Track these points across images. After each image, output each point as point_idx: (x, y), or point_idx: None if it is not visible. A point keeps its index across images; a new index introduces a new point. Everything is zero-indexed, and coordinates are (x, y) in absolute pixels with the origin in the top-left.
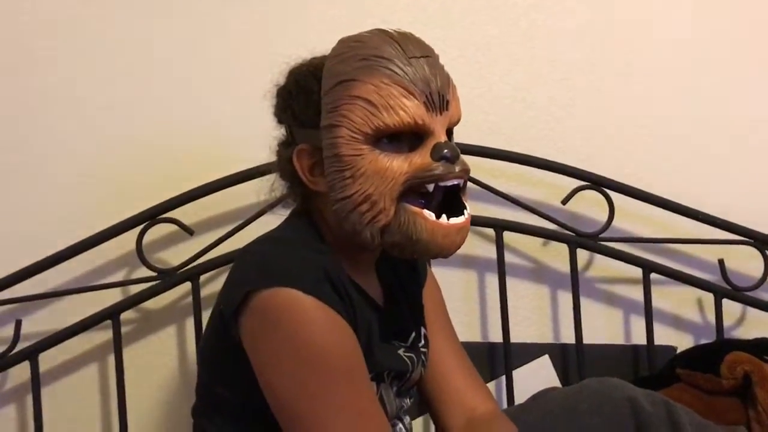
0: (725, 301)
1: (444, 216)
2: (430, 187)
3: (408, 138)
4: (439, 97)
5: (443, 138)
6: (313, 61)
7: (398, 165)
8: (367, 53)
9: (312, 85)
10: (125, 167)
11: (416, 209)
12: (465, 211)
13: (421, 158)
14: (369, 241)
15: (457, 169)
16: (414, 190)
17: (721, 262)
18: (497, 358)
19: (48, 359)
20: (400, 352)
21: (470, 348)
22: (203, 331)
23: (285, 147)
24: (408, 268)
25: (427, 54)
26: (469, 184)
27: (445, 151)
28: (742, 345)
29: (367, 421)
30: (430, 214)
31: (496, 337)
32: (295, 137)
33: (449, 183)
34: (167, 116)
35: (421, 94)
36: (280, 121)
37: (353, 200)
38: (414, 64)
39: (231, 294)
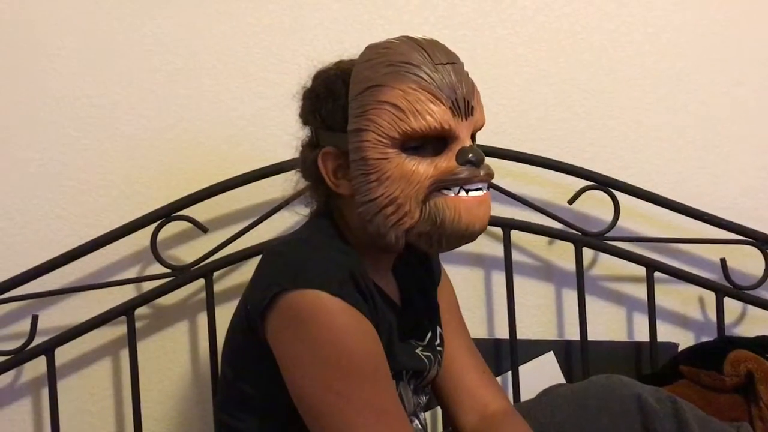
0: (726, 300)
1: (463, 191)
2: (455, 190)
3: (433, 143)
4: (465, 102)
5: (468, 142)
6: (341, 65)
7: (424, 169)
8: (395, 59)
9: (340, 90)
10: (140, 166)
11: (436, 194)
12: (484, 187)
13: (446, 162)
14: (393, 244)
15: (482, 173)
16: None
17: (723, 261)
18: (503, 354)
19: (63, 354)
20: (418, 351)
21: (477, 344)
22: (228, 329)
23: (310, 149)
24: (423, 269)
25: (453, 61)
26: None
27: (471, 155)
28: (744, 343)
29: (390, 419)
30: (448, 191)
31: (502, 333)
32: (320, 140)
33: (474, 186)
34: (181, 115)
35: (447, 99)
36: (305, 123)
37: (378, 203)
38: (441, 71)
39: (258, 294)
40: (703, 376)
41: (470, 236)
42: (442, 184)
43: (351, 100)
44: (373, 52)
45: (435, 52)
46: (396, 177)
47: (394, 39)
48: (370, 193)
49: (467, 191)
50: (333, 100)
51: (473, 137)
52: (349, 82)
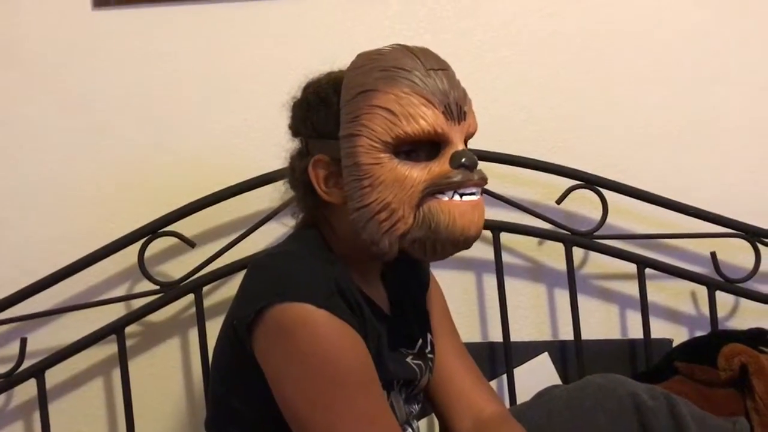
0: (718, 293)
1: (457, 195)
2: (449, 194)
3: (426, 148)
4: (457, 107)
5: (461, 147)
6: (331, 75)
7: (417, 174)
8: (387, 65)
9: (331, 97)
10: (125, 182)
11: (430, 199)
12: (477, 191)
13: (440, 166)
14: (387, 250)
15: (476, 177)
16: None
17: (713, 255)
18: (497, 357)
19: (54, 375)
20: (408, 359)
21: (470, 348)
22: (215, 344)
23: (300, 159)
24: (411, 276)
25: (445, 68)
26: None
27: (464, 159)
28: (737, 336)
29: (382, 430)
30: (442, 196)
31: (495, 336)
32: (311, 149)
33: (468, 190)
34: (165, 129)
35: (440, 104)
36: (296, 134)
37: (371, 209)
38: (433, 76)
39: (244, 308)
40: (698, 371)
41: (465, 242)
42: (435, 188)
43: (343, 106)
44: (365, 58)
45: (427, 59)
46: (389, 182)
47: (386, 47)
48: (363, 199)
49: (461, 195)
50: (325, 107)
51: (466, 144)
52: (341, 89)
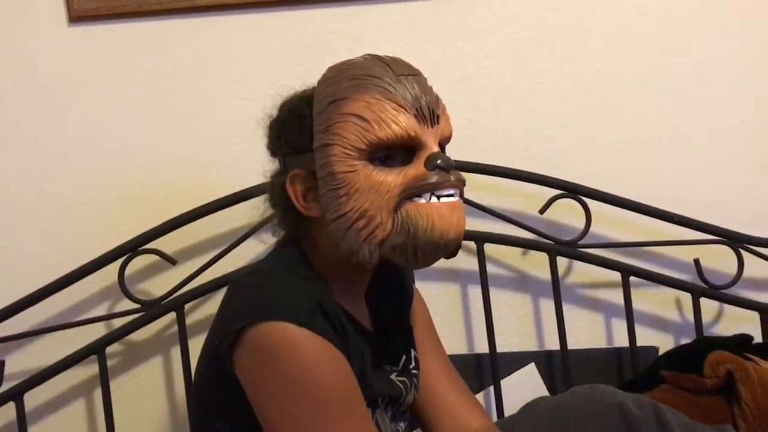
0: (703, 300)
1: (434, 197)
2: (427, 197)
3: (401, 153)
4: (429, 110)
5: (436, 149)
6: (306, 91)
7: (393, 178)
8: (357, 73)
9: (304, 111)
10: (104, 200)
11: (407, 202)
12: (455, 193)
13: (415, 170)
14: (367, 259)
15: (452, 178)
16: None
17: (696, 261)
18: (484, 369)
19: (33, 398)
20: (393, 376)
21: (456, 360)
22: (196, 365)
23: (278, 177)
24: (395, 290)
25: (416, 73)
26: None
27: (439, 161)
28: (722, 343)
29: None
30: (419, 199)
31: (481, 348)
32: (288, 166)
33: (445, 192)
34: (144, 146)
35: (411, 107)
36: (273, 154)
37: (349, 218)
38: (403, 81)
39: (224, 329)
40: (684, 379)
41: (445, 245)
42: (412, 191)
43: (315, 118)
44: (335, 70)
45: (397, 65)
46: (365, 189)
47: (357, 57)
48: (340, 209)
49: (438, 197)
50: (298, 122)
51: (443, 149)
52: (312, 102)
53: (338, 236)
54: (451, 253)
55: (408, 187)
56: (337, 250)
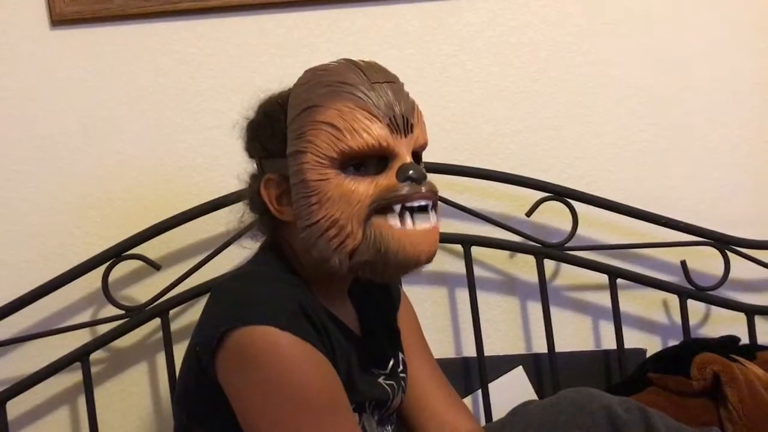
0: (690, 302)
1: (410, 221)
2: (397, 207)
3: (374, 162)
4: (403, 120)
5: (408, 159)
6: (282, 93)
7: (364, 188)
8: (331, 80)
9: (278, 115)
10: (87, 205)
11: (380, 221)
12: (432, 215)
13: (386, 180)
14: (337, 268)
15: (423, 189)
16: (381, 212)
17: (683, 263)
18: (472, 373)
19: (16, 407)
20: (381, 380)
21: (444, 364)
22: (179, 372)
23: (254, 179)
24: (382, 294)
25: (391, 80)
26: None
27: (411, 172)
28: (709, 344)
29: None
30: (395, 222)
31: (469, 351)
32: (263, 168)
33: (416, 203)
34: (127, 150)
35: (384, 116)
36: (250, 155)
37: (320, 226)
38: (377, 89)
39: (206, 334)
40: (671, 381)
41: (415, 266)
42: (383, 202)
43: (289, 124)
44: (311, 74)
45: (372, 72)
46: (336, 198)
47: (332, 62)
48: (312, 217)
49: (413, 220)
50: (272, 125)
51: (419, 157)
52: (287, 106)
53: (310, 243)
54: None
55: (379, 198)
56: (310, 255)
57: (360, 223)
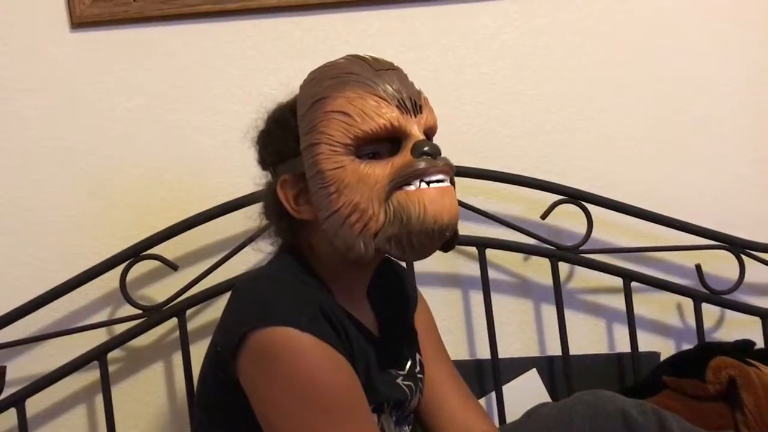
0: (704, 305)
1: (424, 183)
2: (417, 183)
3: (387, 146)
4: (411, 101)
5: (421, 137)
6: (288, 100)
7: (380, 170)
8: (336, 72)
9: (288, 117)
10: (106, 206)
11: (398, 193)
12: (445, 178)
13: (402, 159)
14: (363, 252)
15: (440, 163)
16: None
17: (698, 267)
18: (486, 375)
19: (35, 404)
20: (399, 380)
21: (458, 366)
22: (199, 372)
23: (270, 187)
24: (399, 295)
25: (396, 68)
26: None
27: (426, 147)
28: (724, 348)
29: None
30: (409, 186)
31: (483, 353)
32: (278, 173)
33: (434, 177)
34: (145, 152)
35: (393, 98)
36: (264, 166)
37: (341, 213)
38: (383, 75)
39: (227, 335)
40: (686, 385)
41: (440, 231)
42: (401, 179)
43: (300, 120)
44: (316, 71)
45: (376, 62)
46: (354, 183)
47: (336, 59)
48: (332, 206)
49: (428, 183)
50: (283, 128)
51: (430, 140)
52: (296, 108)
53: (332, 233)
54: (447, 245)
55: (397, 176)
56: (333, 248)
57: (381, 203)
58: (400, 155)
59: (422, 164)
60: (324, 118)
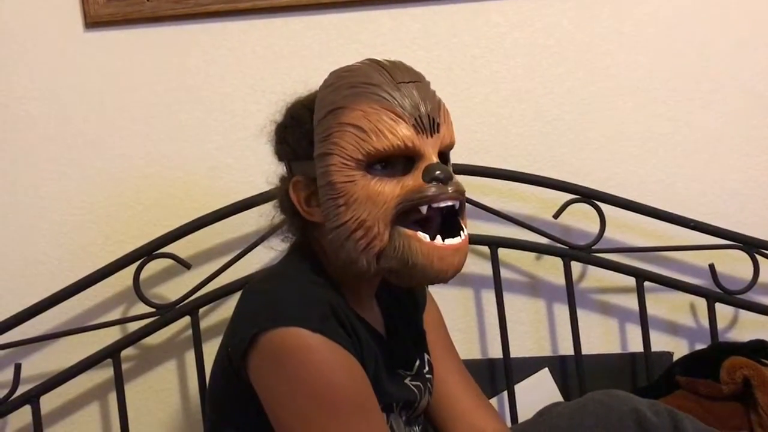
0: (718, 305)
1: (439, 237)
2: (424, 209)
3: (400, 163)
4: (429, 119)
5: (435, 160)
6: (308, 96)
7: (390, 189)
8: (355, 81)
9: (305, 117)
10: (119, 204)
11: (410, 232)
12: (462, 232)
13: (413, 181)
14: (365, 269)
15: (450, 189)
16: (408, 215)
17: (711, 266)
18: (498, 374)
19: (49, 402)
20: (407, 381)
21: (470, 365)
22: (210, 372)
23: (284, 182)
24: (407, 295)
25: (417, 79)
26: None
27: (437, 172)
28: (737, 348)
29: None
30: (424, 236)
31: (495, 353)
32: (292, 170)
33: (442, 204)
34: (159, 150)
35: (410, 117)
36: (279, 158)
37: (347, 227)
38: (402, 89)
39: (238, 335)
40: (700, 385)
41: (441, 281)
42: (409, 203)
43: (316, 126)
44: (335, 76)
45: (396, 72)
46: (362, 199)
47: (357, 62)
48: (339, 218)
49: (443, 238)
50: (299, 127)
51: (446, 156)
52: (314, 108)
53: (338, 244)
54: None
55: (405, 199)
56: (338, 256)
57: (387, 225)
58: (412, 176)
59: (432, 190)
60: (339, 129)
